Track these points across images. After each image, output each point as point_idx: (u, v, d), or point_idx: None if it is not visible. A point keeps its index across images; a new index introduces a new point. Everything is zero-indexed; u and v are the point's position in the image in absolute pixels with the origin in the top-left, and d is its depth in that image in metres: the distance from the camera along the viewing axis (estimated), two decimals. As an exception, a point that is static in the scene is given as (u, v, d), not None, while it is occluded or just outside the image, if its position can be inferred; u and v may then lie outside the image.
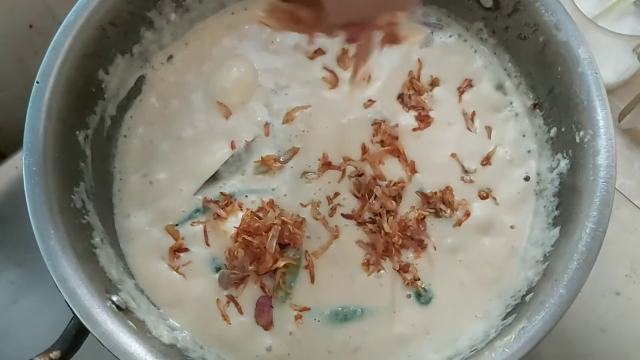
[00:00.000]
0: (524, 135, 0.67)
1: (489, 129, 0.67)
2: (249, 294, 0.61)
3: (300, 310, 0.60)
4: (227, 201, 0.64)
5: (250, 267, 0.60)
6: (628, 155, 0.82)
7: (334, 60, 0.69)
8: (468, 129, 0.66)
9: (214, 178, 0.65)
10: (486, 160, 0.65)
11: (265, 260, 0.60)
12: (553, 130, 0.63)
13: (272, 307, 0.60)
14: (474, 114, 0.67)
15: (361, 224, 0.63)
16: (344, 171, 0.64)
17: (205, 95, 0.68)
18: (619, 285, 0.74)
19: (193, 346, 0.59)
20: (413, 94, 0.67)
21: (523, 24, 0.64)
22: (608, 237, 0.74)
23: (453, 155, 0.65)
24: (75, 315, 0.51)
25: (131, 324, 0.54)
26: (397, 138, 0.65)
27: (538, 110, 0.66)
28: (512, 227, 0.63)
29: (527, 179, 0.65)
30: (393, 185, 0.63)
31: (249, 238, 0.61)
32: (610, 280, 0.74)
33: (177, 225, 0.64)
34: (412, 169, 0.64)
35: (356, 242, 0.62)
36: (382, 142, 0.65)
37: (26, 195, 0.54)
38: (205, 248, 0.63)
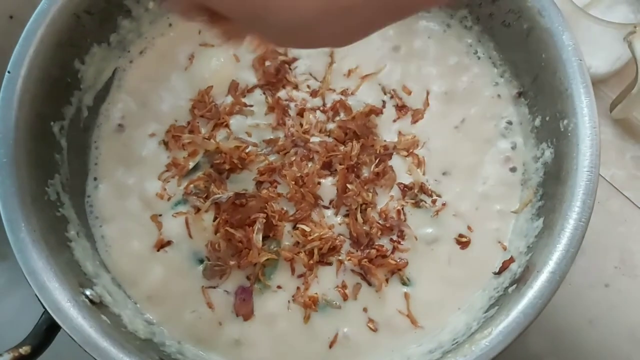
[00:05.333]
0: (509, 124, 0.66)
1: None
2: (233, 283, 0.60)
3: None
4: (207, 193, 0.62)
5: (232, 262, 0.59)
6: (619, 145, 0.81)
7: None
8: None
9: (195, 169, 0.64)
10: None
11: (249, 255, 0.59)
12: (538, 120, 0.63)
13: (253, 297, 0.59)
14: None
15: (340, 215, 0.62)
16: (324, 163, 0.63)
17: (185, 85, 0.67)
18: (608, 277, 0.73)
19: (170, 341, 0.58)
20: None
21: (507, 11, 0.63)
22: (597, 229, 0.73)
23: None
24: (46, 310, 0.50)
25: (105, 318, 0.53)
26: (376, 126, 0.65)
27: (523, 99, 0.65)
28: (496, 218, 0.62)
29: (512, 169, 0.64)
30: (376, 175, 0.63)
31: (232, 230, 0.59)
32: (599, 272, 0.73)
33: (160, 215, 0.63)
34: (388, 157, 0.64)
35: (338, 235, 0.61)
36: (356, 134, 0.64)
37: (-4, 187, 0.53)
38: (187, 240, 0.62)
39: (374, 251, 0.59)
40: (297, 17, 0.37)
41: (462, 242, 0.61)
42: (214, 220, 0.61)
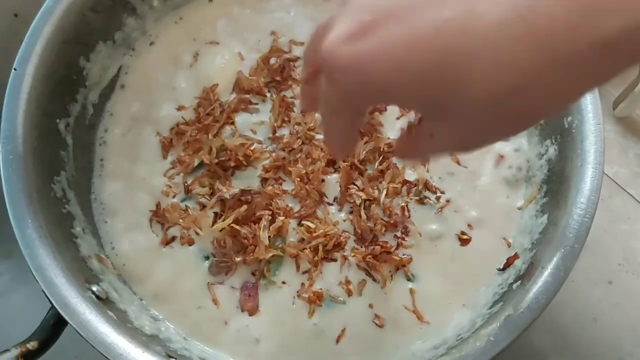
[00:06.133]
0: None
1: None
2: (239, 279, 0.60)
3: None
4: (212, 190, 0.63)
5: (238, 259, 0.59)
6: (622, 143, 0.81)
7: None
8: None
9: (200, 166, 0.64)
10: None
11: (255, 251, 0.59)
12: (542, 116, 0.62)
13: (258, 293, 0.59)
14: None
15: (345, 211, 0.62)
16: (329, 161, 0.63)
17: (190, 83, 0.67)
18: (612, 275, 0.73)
19: (176, 336, 0.58)
20: None
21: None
22: (601, 226, 0.73)
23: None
24: (53, 305, 0.51)
25: (111, 314, 0.53)
26: (380, 124, 0.64)
27: (527, 96, 0.65)
28: (500, 214, 0.62)
29: (517, 166, 0.64)
30: (380, 172, 0.63)
31: (237, 227, 0.60)
32: (603, 269, 0.73)
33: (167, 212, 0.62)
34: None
35: (342, 231, 0.61)
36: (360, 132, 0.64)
37: (3, 184, 0.53)
38: (193, 236, 0.61)
39: (378, 247, 0.59)
40: (504, 83, 0.28)
41: (466, 239, 0.61)
42: (219, 218, 0.61)
